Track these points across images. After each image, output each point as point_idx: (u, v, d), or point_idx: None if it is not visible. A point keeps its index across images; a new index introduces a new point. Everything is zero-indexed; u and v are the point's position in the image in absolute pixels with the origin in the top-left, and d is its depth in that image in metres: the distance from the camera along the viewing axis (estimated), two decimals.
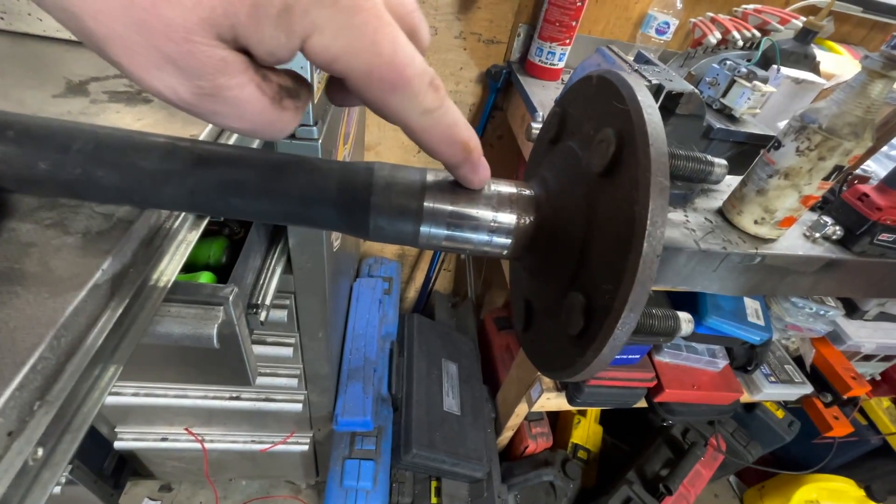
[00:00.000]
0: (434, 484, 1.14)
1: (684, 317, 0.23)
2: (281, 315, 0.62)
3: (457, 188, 0.25)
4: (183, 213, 0.29)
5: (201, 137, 0.32)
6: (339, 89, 0.23)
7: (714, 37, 1.03)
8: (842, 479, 1.38)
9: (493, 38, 1.13)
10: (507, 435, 1.34)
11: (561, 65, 1.07)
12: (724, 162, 0.22)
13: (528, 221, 0.26)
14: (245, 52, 0.17)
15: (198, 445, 0.95)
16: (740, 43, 1.03)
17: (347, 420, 0.89)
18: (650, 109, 0.20)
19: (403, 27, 0.18)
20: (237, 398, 0.83)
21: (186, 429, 0.94)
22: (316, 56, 0.17)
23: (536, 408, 1.12)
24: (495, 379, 1.40)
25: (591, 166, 0.23)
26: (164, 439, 0.94)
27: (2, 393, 0.16)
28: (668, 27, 1.09)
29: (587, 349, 0.22)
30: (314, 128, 0.45)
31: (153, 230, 0.27)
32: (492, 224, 0.25)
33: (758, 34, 1.03)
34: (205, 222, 0.33)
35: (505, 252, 0.27)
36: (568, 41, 1.04)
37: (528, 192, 0.26)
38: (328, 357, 0.75)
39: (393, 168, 0.25)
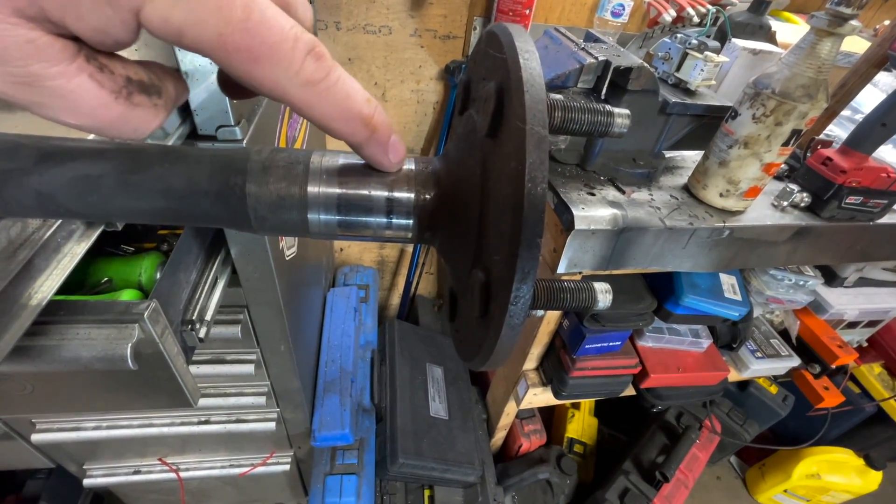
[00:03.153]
0: (427, 493, 1.11)
1: (601, 287, 0.21)
2: (234, 331, 0.59)
3: (347, 168, 0.23)
4: (60, 221, 0.27)
5: None
6: (227, 77, 0.20)
7: (669, 14, 1.02)
8: (840, 449, 1.37)
9: (449, 33, 1.11)
10: (500, 435, 1.31)
11: None
12: (625, 111, 0.20)
13: (427, 198, 0.23)
14: (76, 37, 0.14)
15: (174, 475, 0.91)
16: (696, 19, 1.02)
17: (325, 435, 0.86)
18: (527, 55, 0.18)
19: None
20: (206, 422, 0.79)
21: (160, 459, 0.90)
22: (157, 30, 0.14)
23: (524, 405, 1.10)
24: (485, 379, 1.38)
25: (481, 128, 0.20)
26: (136, 472, 0.89)
27: None
28: (624, 9, 1.08)
29: (488, 331, 0.19)
30: (236, 128, 0.43)
31: (16, 242, 0.24)
32: (387, 204, 0.23)
33: (713, 9, 1.02)
34: (97, 232, 0.30)
35: (409, 235, 0.24)
36: None
37: (427, 167, 0.24)
38: (295, 371, 0.72)
39: (273, 151, 0.23)
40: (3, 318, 0.23)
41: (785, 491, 1.46)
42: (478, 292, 0.20)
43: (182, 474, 0.89)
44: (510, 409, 1.19)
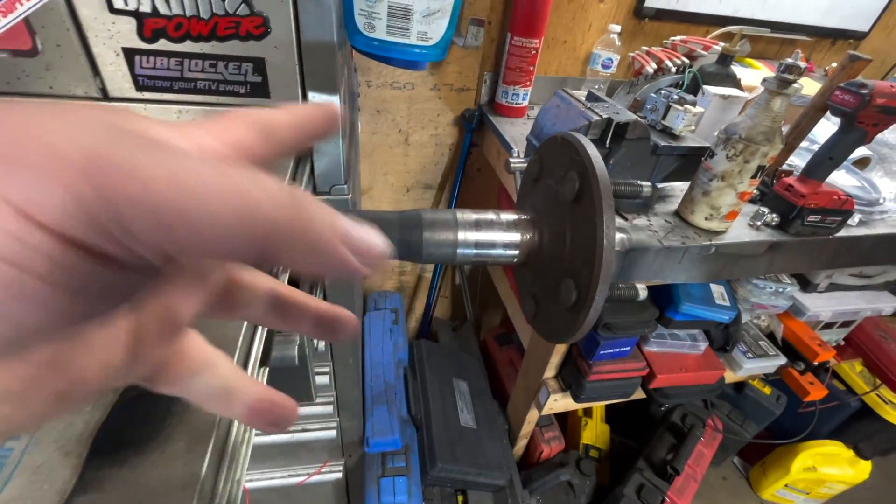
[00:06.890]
0: (460, 498, 1.20)
1: (640, 286, 0.35)
2: (320, 345, 0.72)
3: (479, 220, 0.37)
4: None
5: None
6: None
7: (651, 66, 1.21)
8: (831, 442, 1.50)
9: (464, 86, 1.29)
10: (521, 444, 1.42)
11: (525, 103, 1.23)
12: (648, 183, 0.34)
13: (528, 237, 0.38)
14: None
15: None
16: (673, 69, 1.21)
17: (378, 440, 0.97)
18: (597, 159, 0.32)
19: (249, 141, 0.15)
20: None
21: None
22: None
23: (546, 411, 1.22)
24: (503, 393, 1.49)
25: (566, 196, 0.35)
26: None
27: None
28: (612, 62, 1.26)
29: (580, 314, 0.33)
30: (345, 186, 0.57)
31: None
32: (505, 242, 0.37)
33: (687, 60, 1.21)
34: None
35: (515, 260, 0.38)
36: (528, 83, 1.20)
37: (525, 216, 0.38)
38: (358, 382, 0.84)
39: (433, 212, 0.37)
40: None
41: (786, 485, 1.57)
42: (572, 291, 0.34)
43: (247, 485, 0.99)
44: (532, 417, 1.30)
